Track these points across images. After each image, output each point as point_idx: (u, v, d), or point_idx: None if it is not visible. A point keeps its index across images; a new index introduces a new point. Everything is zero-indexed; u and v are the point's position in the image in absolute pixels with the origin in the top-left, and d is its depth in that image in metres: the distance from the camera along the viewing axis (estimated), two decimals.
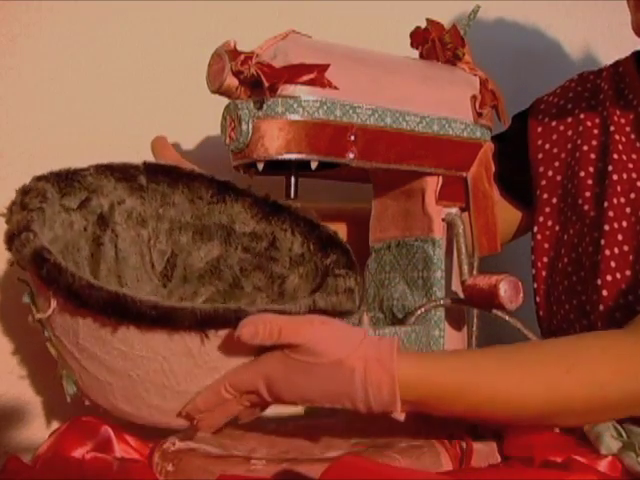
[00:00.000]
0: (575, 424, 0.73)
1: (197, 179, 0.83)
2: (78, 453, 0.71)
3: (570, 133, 0.94)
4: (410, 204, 0.83)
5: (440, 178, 0.81)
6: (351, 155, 0.75)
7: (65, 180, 0.77)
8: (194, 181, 0.83)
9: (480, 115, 0.83)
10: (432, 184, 0.82)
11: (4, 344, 0.90)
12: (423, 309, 0.79)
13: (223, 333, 0.65)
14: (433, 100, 0.80)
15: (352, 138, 0.74)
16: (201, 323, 0.64)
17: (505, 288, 0.75)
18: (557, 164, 0.93)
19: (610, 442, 0.74)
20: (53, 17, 0.95)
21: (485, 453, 0.77)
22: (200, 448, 0.73)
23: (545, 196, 0.93)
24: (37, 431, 0.90)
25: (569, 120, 0.95)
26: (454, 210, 0.82)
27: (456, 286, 0.83)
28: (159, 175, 0.82)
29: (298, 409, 1.00)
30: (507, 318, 0.80)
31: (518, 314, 0.81)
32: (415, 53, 0.87)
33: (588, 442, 0.76)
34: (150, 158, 1.00)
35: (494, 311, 0.79)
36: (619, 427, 0.76)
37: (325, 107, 0.72)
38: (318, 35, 0.78)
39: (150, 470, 0.71)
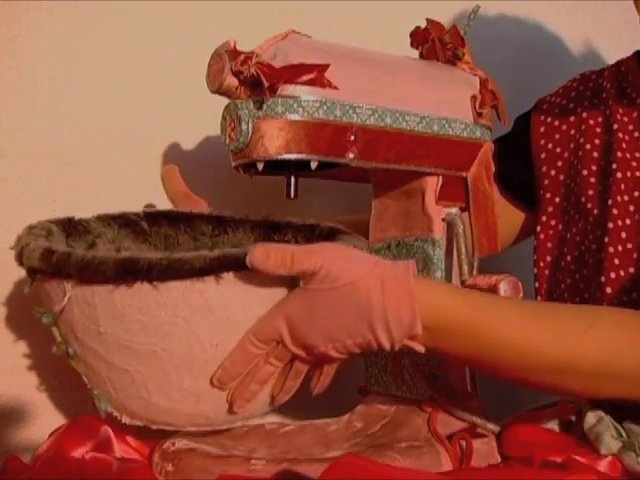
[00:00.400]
0: (581, 390, 0.71)
1: (196, 218, 0.86)
2: (78, 453, 0.71)
3: (573, 132, 0.94)
4: (410, 204, 0.83)
5: (440, 178, 0.81)
6: (351, 155, 0.75)
7: (69, 224, 0.79)
8: (193, 220, 0.86)
9: (480, 115, 0.83)
10: (432, 184, 0.81)
11: (4, 344, 0.90)
12: None
13: (237, 278, 0.64)
14: (433, 100, 0.80)
15: (352, 138, 0.74)
16: (212, 266, 0.63)
17: (505, 288, 0.75)
18: (560, 163, 0.93)
19: (610, 442, 0.74)
20: (53, 17, 0.95)
21: (485, 453, 0.77)
22: (200, 448, 0.72)
23: (548, 195, 0.93)
24: (37, 431, 0.90)
25: (572, 119, 0.95)
26: (454, 210, 0.82)
27: (456, 286, 0.83)
28: (160, 219, 0.85)
29: (299, 410, 1.00)
30: None
31: None
32: (415, 53, 0.87)
33: (588, 442, 0.76)
34: (150, 158, 1.01)
35: None
36: (619, 427, 0.76)
37: (325, 107, 0.72)
38: (318, 35, 0.78)
39: (150, 470, 0.71)
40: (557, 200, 0.93)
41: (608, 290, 0.82)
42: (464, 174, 0.83)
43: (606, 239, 0.84)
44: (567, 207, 0.91)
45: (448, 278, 0.82)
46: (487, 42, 1.22)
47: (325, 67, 0.72)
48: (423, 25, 0.86)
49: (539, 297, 0.93)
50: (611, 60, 0.98)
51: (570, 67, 1.26)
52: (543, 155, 0.95)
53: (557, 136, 0.95)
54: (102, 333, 0.67)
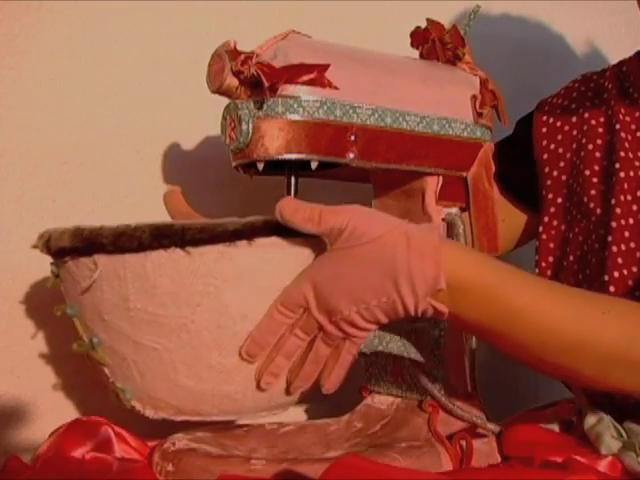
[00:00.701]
0: (590, 376, 0.69)
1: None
2: (78, 453, 0.71)
3: (575, 133, 0.94)
4: (410, 204, 0.83)
5: (440, 178, 0.81)
6: (351, 155, 0.75)
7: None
8: None
9: (480, 115, 0.83)
10: (432, 184, 0.81)
11: (4, 344, 0.90)
12: None
13: (269, 244, 0.65)
14: (433, 100, 0.80)
15: (352, 138, 0.74)
16: (246, 229, 0.64)
17: None
18: (562, 164, 0.93)
19: (610, 442, 0.74)
20: (53, 17, 0.95)
21: (485, 453, 0.77)
22: (200, 448, 0.73)
23: (550, 196, 0.93)
24: (37, 431, 0.90)
25: (574, 120, 0.95)
26: (454, 210, 0.82)
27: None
28: None
29: (298, 410, 1.00)
30: None
31: None
32: (415, 53, 0.87)
33: (588, 442, 0.76)
34: (150, 158, 1.01)
35: None
36: (619, 427, 0.76)
37: (325, 107, 0.72)
38: (318, 35, 0.78)
39: (150, 470, 0.71)
40: (559, 201, 0.92)
41: (612, 289, 0.82)
42: (464, 174, 0.83)
43: (609, 238, 0.84)
44: (569, 207, 0.91)
45: None
46: (487, 42, 1.22)
47: (325, 67, 0.72)
48: (423, 25, 0.86)
49: None
50: (612, 60, 0.98)
51: (571, 67, 1.27)
52: (545, 156, 0.95)
53: (559, 137, 0.95)
54: (131, 309, 0.66)
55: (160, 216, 1.00)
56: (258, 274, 0.66)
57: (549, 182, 0.94)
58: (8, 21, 0.93)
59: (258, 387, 0.68)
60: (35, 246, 0.73)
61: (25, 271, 0.92)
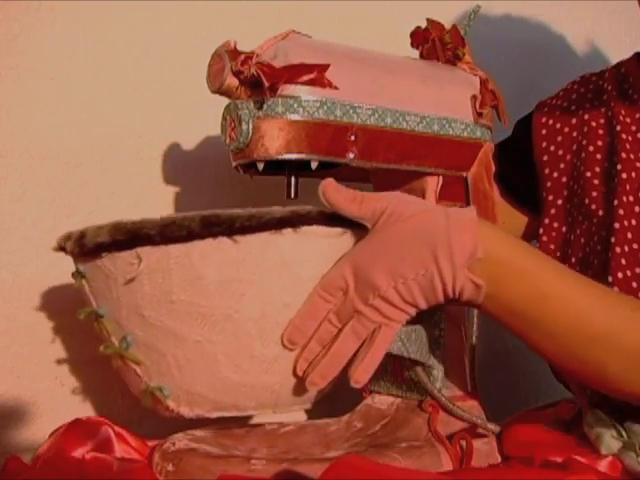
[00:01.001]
0: (614, 374, 0.69)
1: None
2: (78, 453, 0.71)
3: (575, 134, 0.94)
4: None
5: (440, 178, 0.81)
6: (351, 155, 0.75)
7: None
8: None
9: (480, 115, 0.83)
10: (432, 184, 0.81)
11: (4, 344, 0.90)
12: None
13: (314, 232, 0.66)
14: (433, 100, 0.80)
15: (352, 138, 0.74)
16: (292, 217, 0.66)
17: None
18: (562, 166, 0.93)
19: (610, 442, 0.74)
20: (53, 17, 0.95)
21: (485, 453, 0.77)
22: (200, 448, 0.72)
23: (550, 198, 0.93)
24: (37, 431, 0.90)
25: (573, 121, 0.95)
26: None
27: None
28: None
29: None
30: None
31: None
32: (415, 53, 0.87)
33: (588, 442, 0.76)
34: (150, 158, 1.01)
35: None
36: (619, 427, 0.76)
37: (325, 107, 0.72)
38: (318, 35, 0.78)
39: (150, 470, 0.71)
40: (560, 202, 0.92)
41: (615, 290, 0.82)
42: (464, 174, 0.83)
43: (612, 239, 0.84)
44: (570, 209, 0.91)
45: None
46: (487, 42, 1.23)
47: (325, 67, 0.72)
48: (423, 25, 0.86)
49: None
50: (612, 60, 0.98)
51: (571, 67, 1.26)
52: (545, 157, 0.95)
53: (559, 138, 0.95)
54: (175, 302, 0.66)
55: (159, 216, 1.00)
56: (302, 262, 0.67)
57: (549, 184, 0.94)
58: (8, 21, 0.93)
59: (295, 375, 0.69)
60: (59, 248, 0.72)
61: (25, 271, 0.92)
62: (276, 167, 0.75)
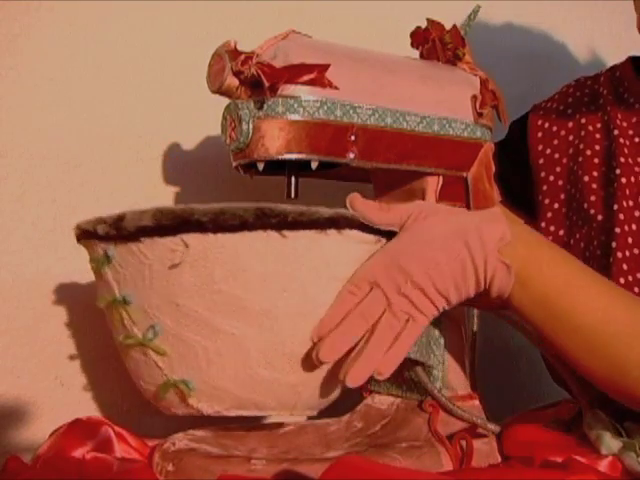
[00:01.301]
0: (637, 377, 0.69)
1: None
2: (78, 453, 0.71)
3: (572, 138, 0.94)
4: None
5: (440, 178, 0.81)
6: (351, 155, 0.75)
7: None
8: None
9: (480, 115, 0.83)
10: (432, 184, 0.81)
11: (4, 344, 0.90)
12: None
13: (353, 236, 0.68)
14: (433, 100, 0.80)
15: (352, 138, 0.74)
16: (338, 218, 0.67)
17: None
18: (559, 169, 0.93)
19: (610, 442, 0.74)
20: (53, 17, 0.95)
21: (485, 453, 0.77)
22: (200, 448, 0.72)
23: (547, 201, 0.93)
24: (37, 431, 0.90)
25: (570, 125, 0.95)
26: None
27: None
28: None
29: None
30: (508, 318, 0.80)
31: None
32: (415, 53, 0.87)
33: (588, 442, 0.76)
34: (150, 158, 1.01)
35: (496, 311, 0.79)
36: (619, 427, 0.76)
37: (325, 107, 0.72)
38: (318, 35, 0.78)
39: (150, 470, 0.71)
40: (556, 206, 0.92)
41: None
42: (464, 174, 0.83)
43: (614, 244, 0.84)
44: (568, 213, 0.91)
45: None
46: (487, 43, 1.23)
47: (325, 67, 0.72)
48: (423, 25, 0.86)
49: None
50: (612, 61, 0.98)
51: (572, 68, 1.27)
52: (541, 161, 0.95)
53: (555, 142, 0.95)
54: (215, 292, 0.66)
55: None
56: (339, 264, 0.68)
57: (545, 187, 0.94)
58: (8, 21, 0.93)
59: (318, 377, 0.69)
60: (83, 232, 0.70)
61: (25, 271, 0.92)
62: (276, 167, 0.75)
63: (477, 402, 0.82)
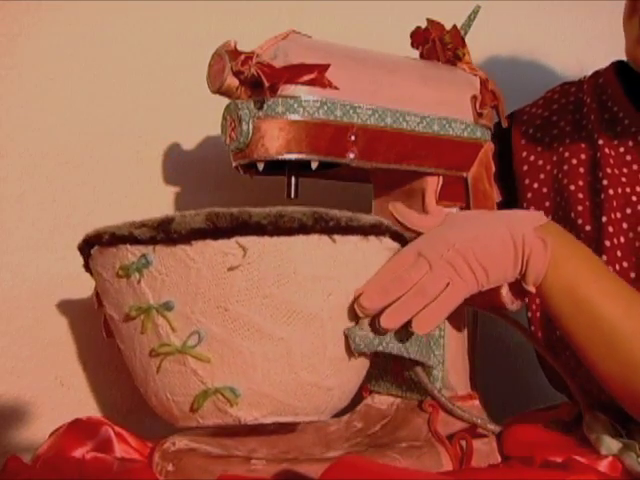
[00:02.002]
0: None
1: None
2: (78, 453, 0.71)
3: (556, 145, 0.93)
4: (410, 204, 0.83)
5: (440, 178, 0.81)
6: (351, 155, 0.75)
7: None
8: None
9: (480, 115, 0.83)
10: (432, 184, 0.81)
11: (4, 344, 0.90)
12: None
13: (387, 245, 0.70)
14: (433, 100, 0.80)
15: (352, 138, 0.74)
16: (380, 225, 0.69)
17: (507, 288, 0.75)
18: (542, 176, 0.93)
19: (610, 442, 0.74)
20: (53, 17, 0.95)
21: (485, 453, 0.77)
22: (200, 448, 0.72)
23: (532, 209, 0.92)
24: (37, 431, 0.90)
25: (554, 132, 0.94)
26: (454, 210, 0.82)
27: None
28: None
29: None
30: (508, 318, 0.80)
31: (519, 314, 0.81)
32: (415, 53, 0.87)
33: (588, 443, 0.76)
34: (150, 158, 1.01)
35: (495, 311, 0.79)
36: (619, 427, 0.76)
37: (325, 107, 0.72)
38: (318, 35, 0.78)
39: (150, 470, 0.71)
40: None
41: None
42: (464, 174, 0.83)
43: (604, 257, 0.84)
44: (556, 221, 0.91)
45: None
46: (488, 41, 1.23)
47: (325, 67, 0.72)
48: (423, 25, 0.86)
49: (529, 313, 0.92)
50: (610, 60, 0.98)
51: (571, 67, 1.27)
52: (525, 167, 0.94)
53: (539, 149, 0.94)
54: (267, 296, 0.65)
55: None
56: (375, 269, 0.70)
57: (530, 195, 0.93)
58: (8, 21, 0.93)
59: (350, 382, 0.71)
60: (118, 237, 0.67)
61: (25, 271, 0.92)
62: (276, 167, 0.75)
63: (477, 402, 0.82)
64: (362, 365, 0.73)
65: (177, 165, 1.01)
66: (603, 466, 0.72)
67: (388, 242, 0.71)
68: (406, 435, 0.78)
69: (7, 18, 0.93)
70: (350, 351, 0.69)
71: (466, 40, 0.85)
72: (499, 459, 0.78)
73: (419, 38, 0.86)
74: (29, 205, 0.93)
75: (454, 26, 0.85)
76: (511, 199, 0.95)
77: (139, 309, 0.68)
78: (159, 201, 1.01)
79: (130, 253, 0.67)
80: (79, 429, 0.74)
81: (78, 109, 0.97)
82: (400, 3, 1.17)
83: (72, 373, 0.94)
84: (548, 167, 0.93)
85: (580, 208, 0.88)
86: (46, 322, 0.93)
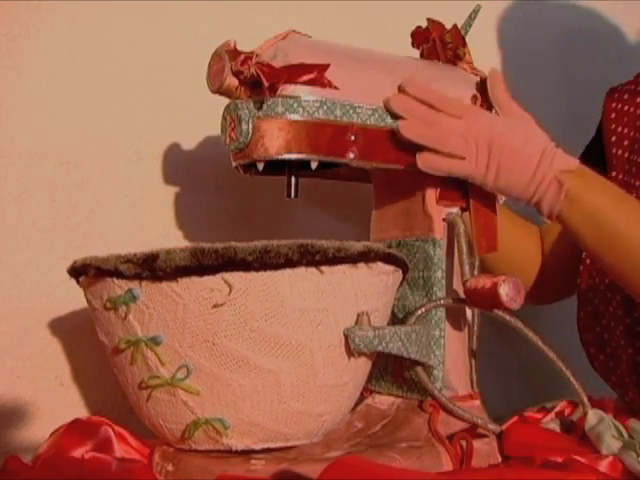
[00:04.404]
0: None
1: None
2: (78, 453, 0.71)
3: (639, 112, 0.98)
4: (410, 204, 0.83)
5: (440, 178, 0.81)
6: (351, 155, 0.75)
7: None
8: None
9: None
10: (432, 184, 0.81)
11: (4, 344, 0.90)
12: (424, 309, 0.79)
13: (378, 269, 0.71)
14: None
15: (352, 138, 0.74)
16: (369, 252, 0.69)
17: (507, 289, 0.75)
18: (626, 142, 0.98)
19: (611, 442, 0.74)
20: (53, 17, 0.95)
21: (485, 453, 0.77)
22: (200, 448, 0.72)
23: (613, 174, 0.97)
24: (37, 431, 0.90)
25: (638, 100, 0.99)
26: (455, 210, 0.82)
27: (457, 286, 0.83)
28: None
29: None
30: (508, 318, 0.80)
31: (519, 314, 0.81)
32: (416, 53, 0.87)
33: (589, 442, 0.76)
34: (150, 158, 1.01)
35: (495, 311, 0.79)
36: (620, 426, 0.76)
37: (325, 107, 0.72)
38: (318, 35, 0.78)
39: (150, 470, 0.71)
40: (620, 177, 0.97)
41: None
42: None
43: None
44: (629, 180, 0.95)
45: (449, 278, 0.81)
46: (532, 28, 1.24)
47: (325, 67, 0.72)
48: (424, 25, 0.85)
49: (581, 267, 0.97)
50: None
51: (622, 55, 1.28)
52: (613, 138, 0.99)
53: (625, 119, 0.99)
54: (255, 330, 0.66)
55: (159, 216, 1.01)
56: (365, 296, 0.70)
57: (614, 161, 0.98)
58: (8, 21, 0.93)
59: (342, 406, 0.72)
60: (103, 270, 0.67)
61: (25, 271, 0.92)
62: (276, 167, 0.75)
63: (477, 402, 0.82)
64: (355, 388, 0.74)
65: (177, 165, 1.01)
66: (603, 466, 0.71)
67: (380, 267, 0.71)
68: (406, 435, 0.78)
69: (7, 18, 0.93)
70: (341, 376, 0.70)
71: (466, 39, 0.85)
72: (499, 459, 0.77)
73: (419, 38, 0.86)
74: (29, 205, 0.93)
75: (454, 26, 0.85)
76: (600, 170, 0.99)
77: (128, 342, 0.68)
78: (159, 201, 1.00)
79: (117, 286, 0.68)
80: (79, 429, 0.74)
81: (78, 109, 0.96)
82: (400, 3, 1.17)
83: (72, 373, 0.94)
84: (631, 133, 0.98)
85: None
86: (46, 322, 0.93)
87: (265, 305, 0.66)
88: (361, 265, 0.69)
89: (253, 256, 0.64)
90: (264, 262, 0.65)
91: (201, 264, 0.64)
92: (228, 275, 0.65)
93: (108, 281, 0.68)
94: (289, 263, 0.65)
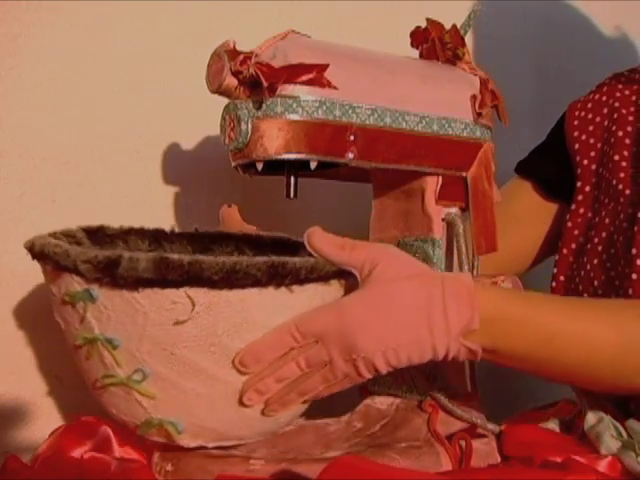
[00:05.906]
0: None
1: (131, 233, 0.83)
2: (77, 453, 0.71)
3: (606, 123, 0.97)
4: (410, 204, 0.83)
5: (440, 178, 0.81)
6: (350, 155, 0.75)
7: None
8: (129, 235, 0.83)
9: (480, 115, 0.83)
10: (432, 184, 0.81)
11: (4, 344, 0.90)
12: None
13: (345, 286, 0.69)
14: (433, 100, 0.80)
15: (351, 138, 0.74)
16: (339, 271, 0.67)
17: (508, 283, 0.75)
18: (593, 154, 0.96)
19: (610, 442, 0.74)
20: (53, 17, 0.95)
21: (485, 453, 0.77)
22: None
23: (579, 184, 0.96)
24: (37, 431, 0.90)
25: (605, 111, 0.98)
26: (454, 210, 0.82)
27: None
28: (98, 235, 0.81)
29: None
30: None
31: None
32: (415, 53, 0.87)
33: (588, 442, 0.76)
34: (150, 158, 1.01)
35: None
36: (619, 426, 0.76)
37: (324, 107, 0.72)
38: (318, 35, 0.78)
39: (149, 470, 0.71)
40: (587, 189, 0.95)
41: (638, 262, 0.83)
42: (464, 174, 0.83)
43: (639, 214, 0.86)
44: (598, 195, 0.94)
45: None
46: (509, 15, 1.26)
47: (324, 67, 0.72)
48: (423, 25, 0.86)
49: (554, 283, 0.95)
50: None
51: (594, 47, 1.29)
52: (577, 146, 0.98)
53: (590, 127, 0.98)
54: (215, 345, 0.65)
55: (159, 216, 1.01)
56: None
57: (579, 171, 0.96)
58: (8, 21, 0.93)
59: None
60: (61, 266, 0.65)
61: (25, 271, 0.92)
62: (275, 167, 0.75)
63: (477, 402, 0.82)
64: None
65: (177, 165, 1.01)
66: (602, 466, 0.72)
67: (353, 281, 0.68)
68: (406, 435, 0.78)
69: (7, 18, 0.93)
70: None
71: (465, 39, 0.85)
72: (498, 459, 0.78)
73: (419, 38, 0.86)
74: (29, 205, 0.93)
75: (454, 26, 0.85)
76: (563, 180, 0.99)
77: (85, 338, 0.67)
78: (159, 201, 1.01)
79: (76, 283, 0.65)
80: (78, 429, 0.74)
81: (78, 109, 0.96)
82: (400, 3, 1.17)
83: (72, 373, 0.94)
84: (599, 145, 0.96)
85: (622, 175, 0.91)
86: (46, 322, 0.93)
87: (229, 321, 0.64)
88: (333, 282, 0.68)
89: (219, 275, 0.62)
90: (230, 282, 0.63)
91: (164, 278, 0.62)
92: (192, 291, 0.63)
93: (67, 276, 0.66)
94: (257, 284, 0.64)
